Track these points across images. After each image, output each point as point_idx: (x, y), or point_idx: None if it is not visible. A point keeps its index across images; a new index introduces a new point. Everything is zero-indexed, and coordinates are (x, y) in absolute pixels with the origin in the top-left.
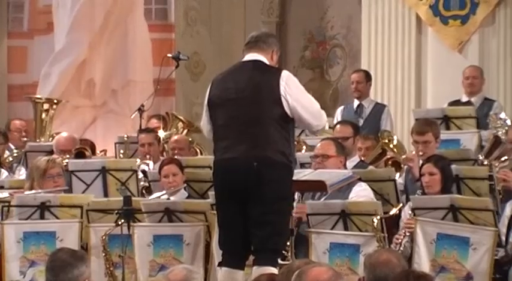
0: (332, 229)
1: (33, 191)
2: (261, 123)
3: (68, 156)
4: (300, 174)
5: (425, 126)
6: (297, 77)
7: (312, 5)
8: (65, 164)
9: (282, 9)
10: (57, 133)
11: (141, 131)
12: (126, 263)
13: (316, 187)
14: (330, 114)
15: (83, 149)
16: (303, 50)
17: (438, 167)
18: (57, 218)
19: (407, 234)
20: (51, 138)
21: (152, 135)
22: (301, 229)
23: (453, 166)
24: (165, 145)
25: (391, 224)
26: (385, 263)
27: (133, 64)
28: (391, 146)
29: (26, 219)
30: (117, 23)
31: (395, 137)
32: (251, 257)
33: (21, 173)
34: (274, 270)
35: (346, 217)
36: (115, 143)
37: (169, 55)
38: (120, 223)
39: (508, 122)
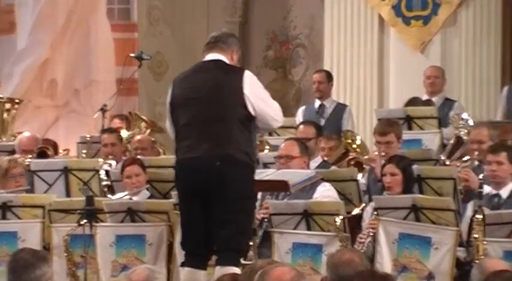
0: (295, 228)
1: None
2: (223, 122)
3: (30, 156)
4: (262, 174)
5: (387, 127)
6: (259, 77)
7: (275, 4)
8: (27, 164)
9: (245, 9)
10: (19, 133)
11: (103, 131)
12: (88, 264)
13: (279, 187)
14: (293, 114)
15: (45, 148)
16: (266, 49)
17: (399, 168)
18: (19, 218)
19: (371, 234)
20: (13, 138)
21: (115, 136)
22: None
23: (415, 166)
24: (128, 145)
25: (354, 224)
26: (348, 263)
27: (96, 64)
28: (354, 146)
29: None
30: (80, 23)
31: (358, 137)
32: (214, 257)
33: None
34: (236, 270)
35: (308, 217)
36: (77, 143)
37: (132, 55)
38: (82, 223)
39: (470, 122)
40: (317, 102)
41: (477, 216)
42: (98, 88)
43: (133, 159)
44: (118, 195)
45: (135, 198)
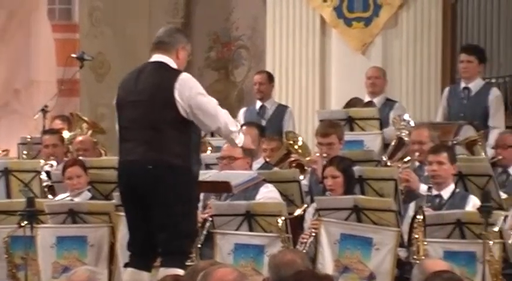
0: (237, 229)
1: None
2: (157, 127)
3: None
4: (205, 175)
5: (329, 128)
6: (202, 78)
7: (217, 5)
8: None
9: (187, 10)
10: None
11: (45, 132)
12: (29, 265)
13: (221, 188)
14: (235, 115)
15: None
16: (208, 50)
17: (340, 170)
18: None
19: (313, 235)
20: None
21: (56, 137)
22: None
23: (356, 167)
24: (70, 146)
25: (296, 225)
26: (290, 264)
27: (37, 64)
28: (296, 147)
29: None
30: (20, 23)
31: (300, 138)
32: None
33: None
34: (180, 272)
35: (251, 218)
36: (18, 144)
37: (73, 55)
38: (23, 224)
39: (412, 123)
40: (258, 104)
41: (418, 216)
42: (38, 89)
43: (74, 160)
44: (59, 196)
45: (76, 199)
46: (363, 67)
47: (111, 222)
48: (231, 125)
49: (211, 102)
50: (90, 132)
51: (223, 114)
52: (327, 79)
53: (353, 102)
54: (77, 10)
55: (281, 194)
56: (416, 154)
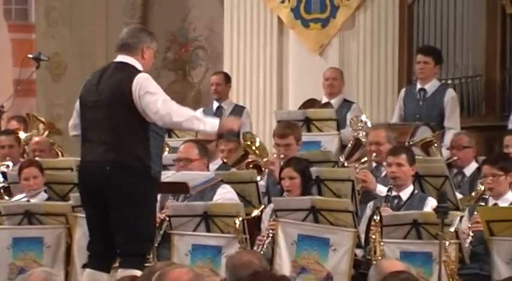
0: (194, 230)
1: None
2: (116, 127)
3: None
4: (162, 176)
5: (286, 129)
6: (159, 78)
7: (174, 6)
8: None
9: (144, 11)
10: None
11: (0, 132)
12: None
13: (179, 189)
14: None
15: None
16: (165, 51)
17: (297, 171)
18: None
19: (270, 235)
20: None
21: (12, 137)
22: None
23: (314, 168)
24: (26, 147)
25: (253, 226)
26: (247, 265)
27: None
28: (253, 148)
29: None
30: None
31: (257, 139)
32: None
33: None
34: (138, 273)
35: (208, 219)
36: None
37: (29, 56)
38: None
39: (369, 124)
40: (215, 104)
41: (375, 217)
42: None
43: (31, 161)
44: (15, 197)
45: (32, 200)
46: (321, 68)
47: (68, 223)
48: (188, 120)
49: (158, 101)
50: (46, 132)
51: (177, 111)
52: (284, 80)
53: (310, 103)
54: (34, 10)
55: (238, 195)
56: (374, 154)
